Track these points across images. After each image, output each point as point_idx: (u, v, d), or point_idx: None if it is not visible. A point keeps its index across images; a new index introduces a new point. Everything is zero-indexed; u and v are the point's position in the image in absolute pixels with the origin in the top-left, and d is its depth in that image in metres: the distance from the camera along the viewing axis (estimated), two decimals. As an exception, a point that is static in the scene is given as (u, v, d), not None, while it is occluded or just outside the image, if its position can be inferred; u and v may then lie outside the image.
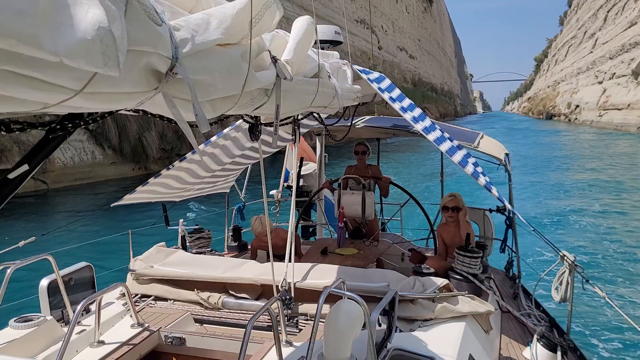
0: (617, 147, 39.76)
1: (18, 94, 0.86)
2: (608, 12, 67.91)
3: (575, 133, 53.96)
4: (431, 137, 3.63)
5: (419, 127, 3.65)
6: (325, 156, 8.31)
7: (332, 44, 4.44)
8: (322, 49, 4.38)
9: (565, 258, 3.89)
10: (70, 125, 1.23)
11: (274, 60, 2.03)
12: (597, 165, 30.20)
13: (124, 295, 3.87)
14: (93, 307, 3.54)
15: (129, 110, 1.47)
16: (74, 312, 3.21)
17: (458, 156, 3.56)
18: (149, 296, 4.20)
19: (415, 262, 5.29)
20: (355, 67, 3.71)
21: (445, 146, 3.62)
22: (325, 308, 2.75)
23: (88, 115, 1.28)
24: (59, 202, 20.45)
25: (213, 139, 5.16)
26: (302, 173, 8.43)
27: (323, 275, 3.78)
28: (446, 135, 3.85)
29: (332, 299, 2.67)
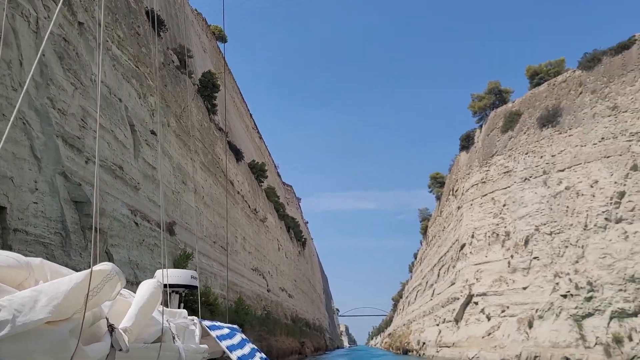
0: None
1: None
2: (439, 270, 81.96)
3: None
4: None
5: None
6: None
7: (188, 288, 4.40)
8: (178, 293, 4.32)
9: None
10: None
11: (111, 329, 1.95)
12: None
13: None
14: None
15: None
16: None
17: None
18: None
19: None
20: (205, 322, 3.65)
21: None
22: None
23: None
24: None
25: None
26: None
27: None
28: None
29: None
